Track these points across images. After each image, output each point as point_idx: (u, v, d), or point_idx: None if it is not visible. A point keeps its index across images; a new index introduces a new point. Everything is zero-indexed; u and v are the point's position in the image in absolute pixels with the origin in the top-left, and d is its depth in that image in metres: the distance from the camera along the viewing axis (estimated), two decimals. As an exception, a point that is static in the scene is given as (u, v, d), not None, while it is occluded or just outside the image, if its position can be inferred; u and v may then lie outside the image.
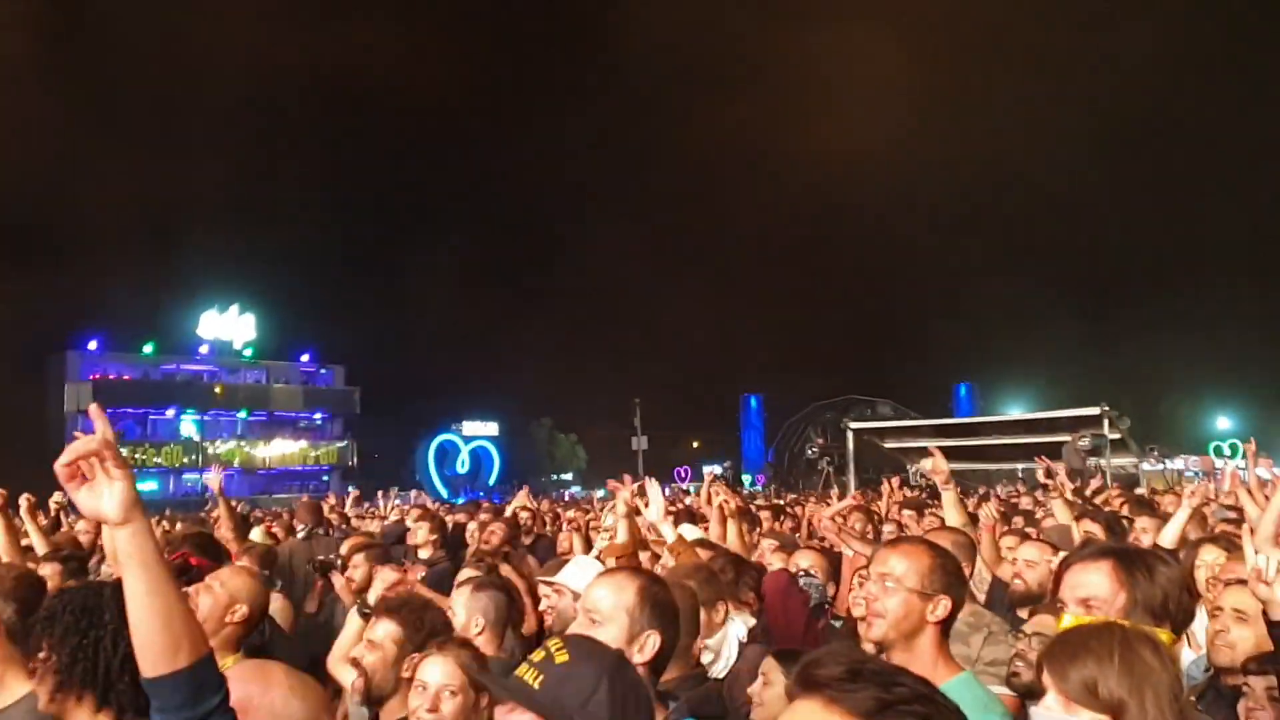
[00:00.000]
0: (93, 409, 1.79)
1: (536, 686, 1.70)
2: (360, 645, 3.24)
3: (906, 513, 8.28)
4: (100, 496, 1.67)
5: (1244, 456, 4.51)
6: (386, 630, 3.15)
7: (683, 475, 46.01)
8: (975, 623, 3.60)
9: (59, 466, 1.68)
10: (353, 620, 3.83)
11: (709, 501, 6.21)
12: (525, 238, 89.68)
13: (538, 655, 1.78)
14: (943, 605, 2.43)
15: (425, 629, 3.17)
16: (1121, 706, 1.77)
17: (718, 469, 36.78)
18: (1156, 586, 2.17)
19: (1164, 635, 2.13)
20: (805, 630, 4.05)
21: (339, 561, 5.48)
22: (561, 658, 1.74)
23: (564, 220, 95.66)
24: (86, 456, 1.67)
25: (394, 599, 3.42)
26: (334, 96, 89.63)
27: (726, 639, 3.59)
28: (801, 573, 4.86)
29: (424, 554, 7.08)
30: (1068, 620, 2.17)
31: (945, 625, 2.46)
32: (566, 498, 34.85)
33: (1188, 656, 3.36)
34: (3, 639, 2.83)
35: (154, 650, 1.68)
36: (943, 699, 1.19)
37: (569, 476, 64.00)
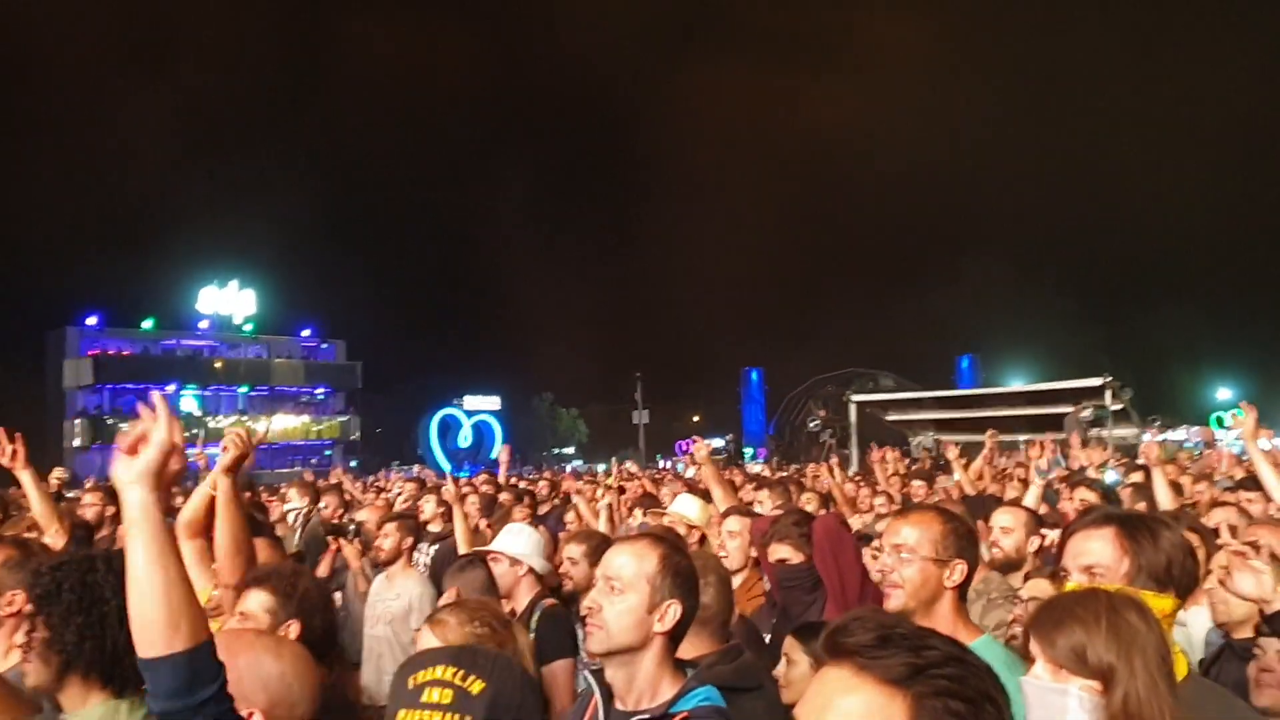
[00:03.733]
0: (158, 399, 1.73)
1: None
2: (231, 620, 3.00)
3: (916, 483, 8.34)
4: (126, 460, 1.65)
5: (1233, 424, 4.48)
6: (259, 601, 2.94)
7: (684, 448, 45.97)
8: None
9: (125, 441, 1.65)
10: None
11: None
12: (526, 213, 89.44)
13: (443, 696, 1.66)
14: (959, 570, 2.50)
15: (298, 597, 2.98)
16: (1110, 671, 1.78)
17: (719, 442, 36.77)
18: (1160, 552, 2.17)
19: (1168, 601, 2.15)
20: (861, 589, 3.70)
21: (352, 528, 5.59)
22: (477, 686, 1.66)
23: (564, 196, 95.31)
24: (163, 448, 1.64)
25: (263, 568, 3.17)
26: (331, 73, 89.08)
27: None
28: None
29: (434, 528, 7.13)
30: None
31: (962, 590, 2.52)
32: (568, 471, 34.89)
33: (1205, 623, 3.35)
34: (20, 618, 2.82)
35: (151, 627, 1.61)
36: (973, 658, 1.18)
37: (570, 450, 64.06)
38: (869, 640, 1.17)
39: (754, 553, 4.45)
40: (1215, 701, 2.11)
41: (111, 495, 6.30)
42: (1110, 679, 1.78)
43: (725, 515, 4.90)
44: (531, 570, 4.25)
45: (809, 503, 6.94)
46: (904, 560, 2.49)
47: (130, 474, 1.64)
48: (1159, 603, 2.09)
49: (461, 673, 1.68)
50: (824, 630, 1.25)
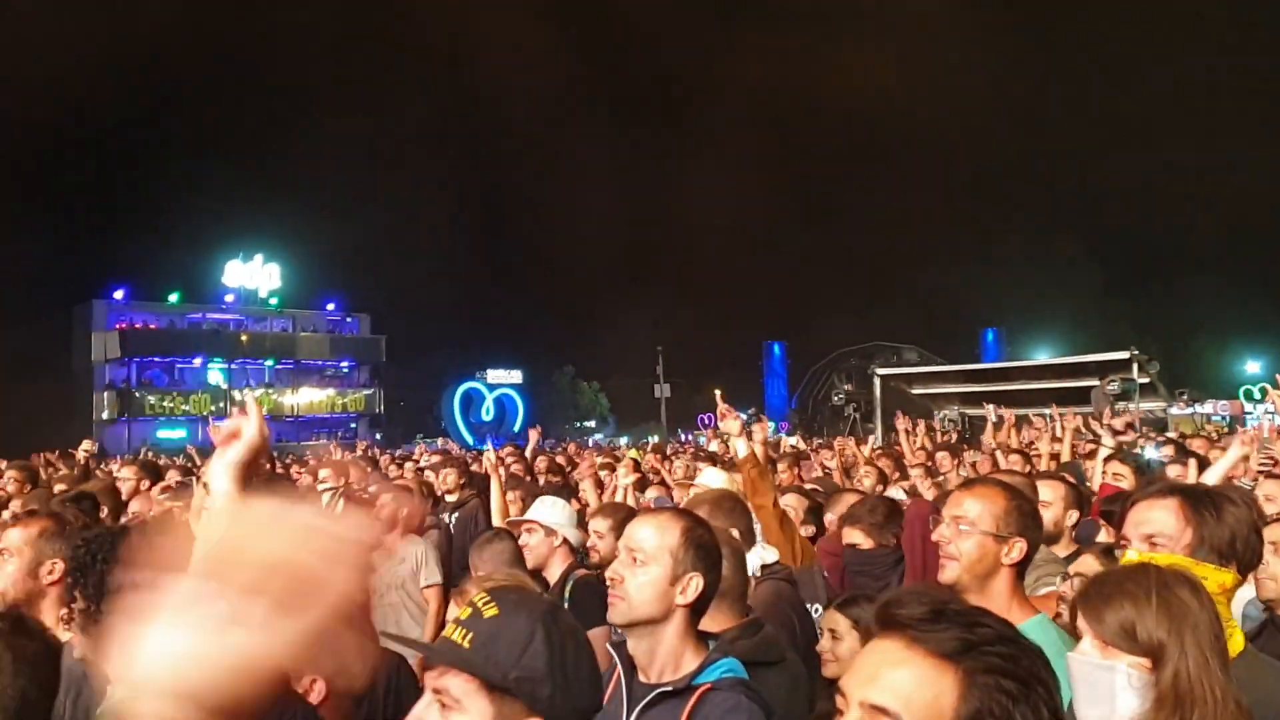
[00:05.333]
0: (250, 401, 1.82)
1: (467, 645, 1.62)
2: None
3: (940, 455, 8.28)
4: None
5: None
6: None
7: (706, 421, 46.01)
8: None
9: (219, 436, 1.74)
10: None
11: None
12: (548, 187, 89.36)
13: (464, 612, 1.69)
14: (1018, 548, 2.42)
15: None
16: (1161, 648, 1.75)
17: (743, 416, 36.73)
18: (1224, 526, 2.13)
19: (1229, 575, 2.11)
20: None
21: None
22: (490, 611, 1.66)
23: (584, 168, 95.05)
24: (252, 446, 1.72)
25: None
26: (358, 45, 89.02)
27: None
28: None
29: (452, 498, 7.18)
30: (1131, 557, 2.15)
31: (1020, 568, 2.45)
32: (590, 445, 35.02)
33: (1244, 595, 3.32)
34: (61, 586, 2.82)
35: None
36: (1025, 640, 1.17)
37: (592, 424, 64.29)
38: (921, 614, 1.17)
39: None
40: (1273, 677, 2.07)
41: (147, 469, 6.37)
42: (1160, 656, 1.75)
43: (783, 493, 4.98)
44: (566, 541, 4.28)
45: (866, 478, 6.87)
46: (962, 533, 2.43)
47: (219, 465, 1.73)
48: (1220, 576, 2.07)
49: (486, 597, 1.71)
50: (876, 603, 1.25)
